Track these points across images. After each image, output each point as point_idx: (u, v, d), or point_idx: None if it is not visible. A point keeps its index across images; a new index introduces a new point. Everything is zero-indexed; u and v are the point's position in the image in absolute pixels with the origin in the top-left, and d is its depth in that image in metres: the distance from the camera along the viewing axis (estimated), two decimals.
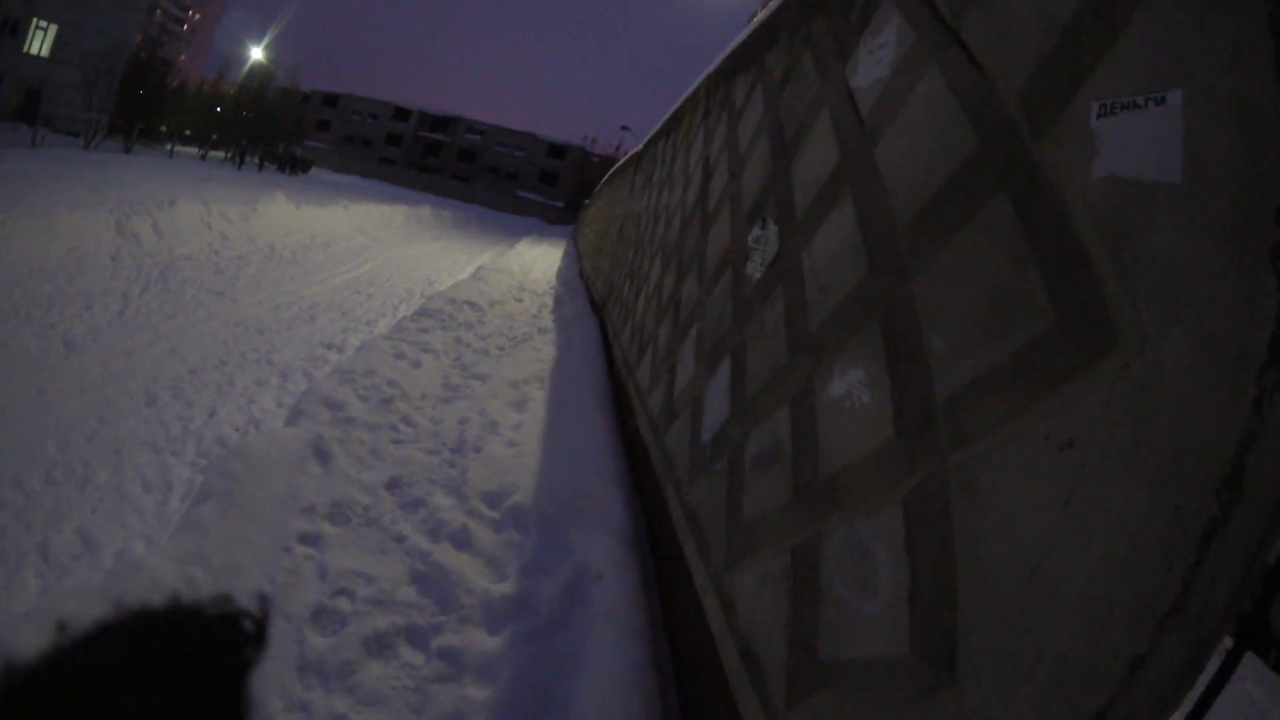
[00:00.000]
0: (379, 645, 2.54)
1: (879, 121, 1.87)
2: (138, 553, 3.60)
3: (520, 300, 10.54)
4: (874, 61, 2.06)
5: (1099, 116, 1.07)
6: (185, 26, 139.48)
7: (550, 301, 10.72)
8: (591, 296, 11.24)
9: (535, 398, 5.24)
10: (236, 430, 5.24)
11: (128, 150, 36.99)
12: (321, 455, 3.95)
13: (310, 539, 3.17)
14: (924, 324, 1.35)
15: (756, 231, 2.64)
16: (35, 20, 42.01)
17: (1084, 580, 0.84)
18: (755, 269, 2.52)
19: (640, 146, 9.53)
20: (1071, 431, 0.92)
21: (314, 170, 52.66)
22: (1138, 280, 0.90)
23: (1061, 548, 0.89)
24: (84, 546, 3.77)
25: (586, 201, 35.07)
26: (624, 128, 69.25)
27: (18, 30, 41.11)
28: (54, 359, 6.00)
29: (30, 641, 0.67)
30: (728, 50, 4.50)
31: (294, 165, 47.87)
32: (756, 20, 3.86)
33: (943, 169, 1.45)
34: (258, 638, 0.83)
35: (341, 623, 2.63)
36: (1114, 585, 0.80)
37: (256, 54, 60.52)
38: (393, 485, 3.80)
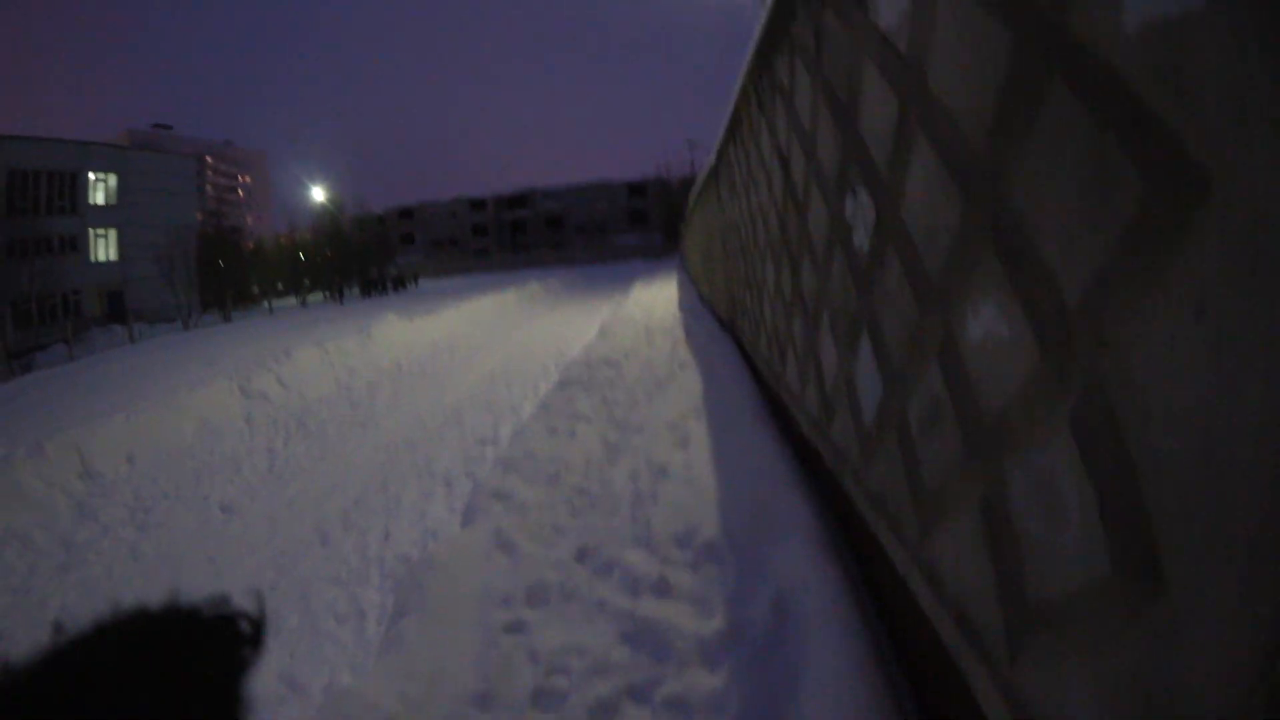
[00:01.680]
0: (604, 712, 2.60)
1: (920, 53, 1.85)
2: (346, 683, 3.70)
3: (652, 343, 10.64)
4: None
5: None
6: (240, 192, 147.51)
7: (681, 334, 10.80)
8: (718, 316, 11.25)
9: (695, 432, 5.28)
10: (417, 546, 5.38)
11: (227, 319, 38.94)
12: (505, 546, 4.07)
13: (514, 627, 3.27)
14: (1033, 237, 1.33)
15: (850, 202, 2.63)
16: (92, 231, 46.37)
17: (1254, 443, 0.82)
18: (861, 239, 2.51)
19: (713, 158, 9.55)
20: (1199, 296, 0.89)
21: (412, 283, 54.37)
22: (1206, 114, 0.88)
23: (1224, 417, 0.87)
24: (288, 689, 3.89)
25: (681, 226, 35.18)
26: (690, 141, 69.01)
27: (78, 244, 45.26)
28: (215, 525, 6.40)
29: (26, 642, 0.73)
30: (755, 37, 4.49)
31: (396, 284, 49.64)
32: None
33: (994, 77, 1.43)
34: (255, 638, 0.88)
35: (562, 699, 2.71)
36: None
37: (318, 194, 62.91)
38: (582, 555, 3.88)
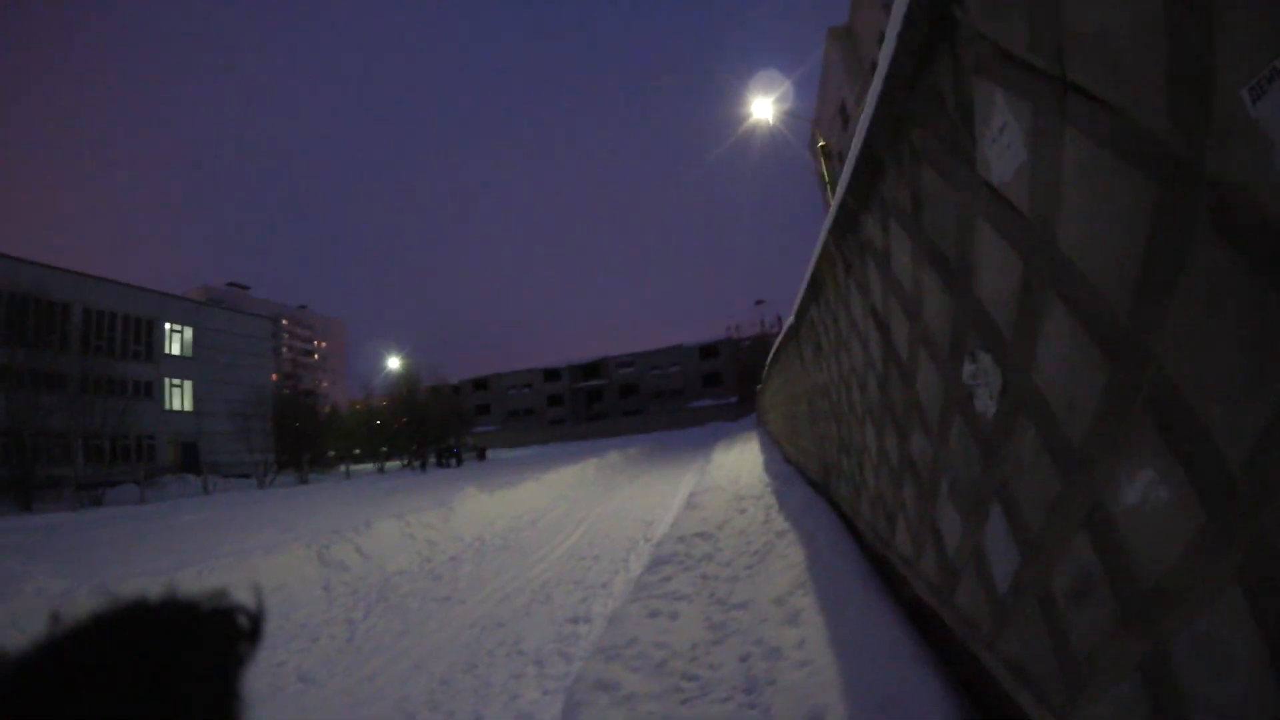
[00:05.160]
0: None
1: (1045, 209, 1.84)
2: None
3: (744, 510, 10.60)
4: (1003, 149, 2.04)
5: (1255, 103, 1.09)
6: (315, 356, 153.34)
7: (773, 500, 10.73)
8: (808, 478, 11.19)
9: (804, 606, 5.17)
10: None
11: (303, 481, 39.90)
12: None
13: None
14: (1191, 398, 1.34)
15: (969, 367, 2.63)
16: (167, 380, 49.43)
17: None
18: (986, 405, 2.50)
19: (792, 318, 9.64)
20: None
21: (489, 453, 55.32)
22: None
23: None
24: None
25: (758, 387, 35.44)
26: (759, 302, 70.90)
27: (152, 391, 47.97)
28: (291, 694, 6.27)
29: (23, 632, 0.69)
30: (836, 198, 4.54)
31: (478, 454, 50.70)
32: (852, 154, 3.88)
33: (1134, 235, 1.44)
34: (253, 633, 0.86)
35: None
36: None
37: (393, 364, 64.88)
38: None
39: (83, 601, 7.93)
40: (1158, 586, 1.53)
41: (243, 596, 0.90)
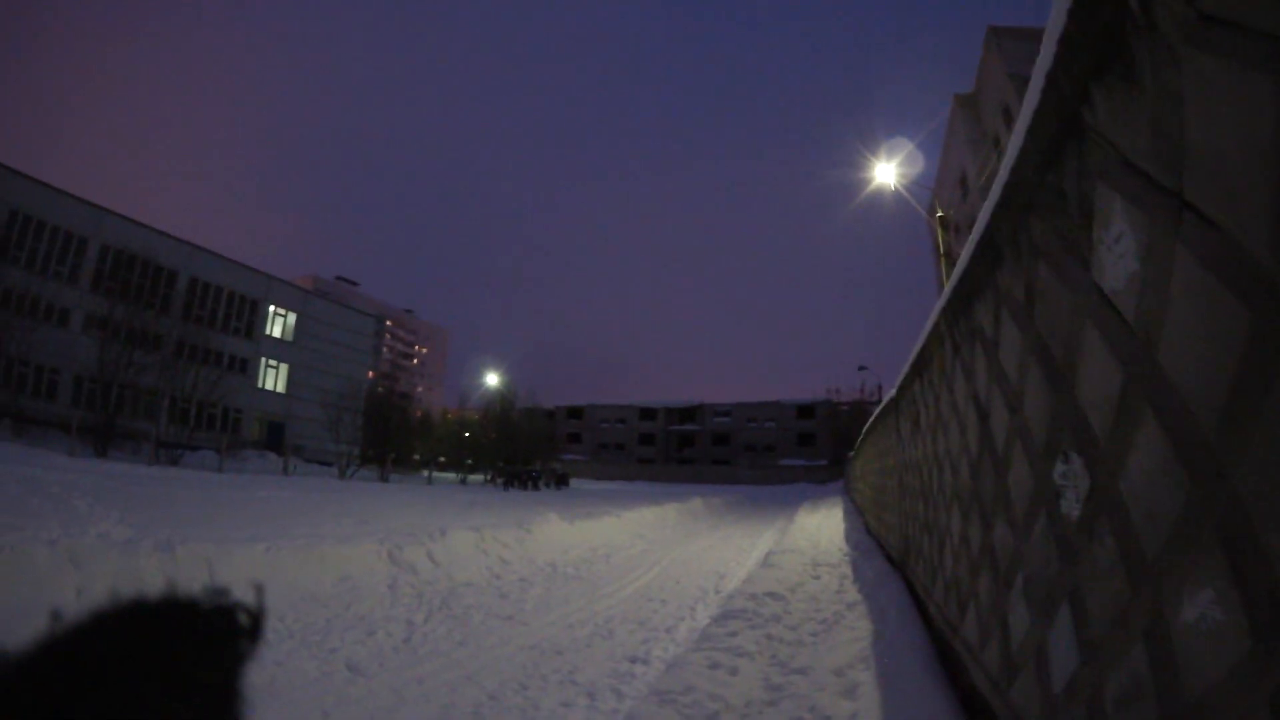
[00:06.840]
0: None
1: (1150, 323, 1.83)
2: None
3: (818, 577, 10.54)
4: (1117, 257, 2.03)
5: None
6: (415, 361, 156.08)
7: (848, 570, 10.68)
8: (886, 553, 11.07)
9: (863, 680, 5.15)
10: None
11: (384, 479, 41.27)
12: None
13: None
14: (1258, 525, 1.37)
15: (1060, 467, 2.62)
16: (264, 360, 51.69)
17: None
18: (1071, 507, 2.50)
19: (894, 391, 9.57)
20: None
21: (573, 482, 55.43)
22: None
23: None
24: None
25: (850, 453, 34.99)
26: (862, 368, 70.42)
27: (247, 368, 50.25)
28: (338, 682, 6.37)
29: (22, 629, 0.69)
30: (953, 280, 4.51)
31: (559, 482, 50.59)
32: (971, 240, 3.87)
33: (1228, 358, 1.46)
34: (253, 631, 0.85)
35: None
36: None
37: (492, 380, 65.34)
38: None
39: (144, 556, 8.27)
40: (1199, 703, 1.56)
41: (243, 594, 0.93)
